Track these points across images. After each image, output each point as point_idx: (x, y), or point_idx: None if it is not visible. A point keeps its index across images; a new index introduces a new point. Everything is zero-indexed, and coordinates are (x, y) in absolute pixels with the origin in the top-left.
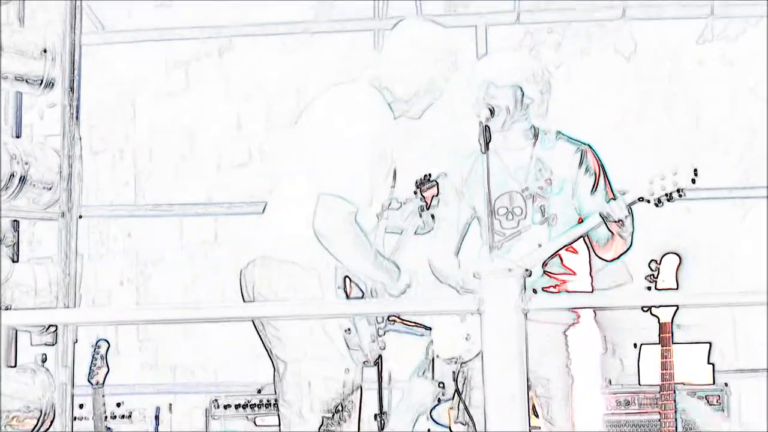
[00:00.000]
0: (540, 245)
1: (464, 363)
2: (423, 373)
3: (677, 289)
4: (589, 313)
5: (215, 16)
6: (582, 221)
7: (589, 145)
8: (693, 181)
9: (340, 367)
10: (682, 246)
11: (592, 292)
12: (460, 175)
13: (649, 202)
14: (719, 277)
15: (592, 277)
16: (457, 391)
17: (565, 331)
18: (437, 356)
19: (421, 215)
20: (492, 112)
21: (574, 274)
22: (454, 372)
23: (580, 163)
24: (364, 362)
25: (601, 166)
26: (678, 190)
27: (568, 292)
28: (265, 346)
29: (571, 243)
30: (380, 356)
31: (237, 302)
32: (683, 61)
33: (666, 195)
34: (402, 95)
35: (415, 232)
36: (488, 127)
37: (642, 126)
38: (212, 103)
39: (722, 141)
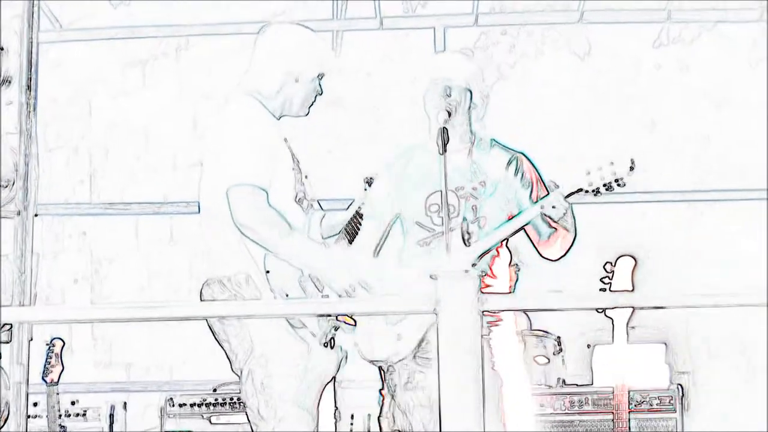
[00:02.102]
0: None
1: (392, 365)
2: (326, 344)
3: (632, 290)
4: (509, 315)
5: (172, 16)
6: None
7: (522, 153)
8: (631, 169)
9: (291, 362)
10: (638, 248)
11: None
12: (393, 173)
13: (587, 192)
14: (674, 279)
15: (510, 279)
16: (390, 394)
17: (485, 335)
18: (363, 358)
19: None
20: (450, 114)
21: (495, 277)
22: (383, 374)
23: (516, 172)
24: (324, 344)
25: (537, 173)
26: (616, 180)
27: (484, 293)
28: (223, 349)
29: (508, 237)
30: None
31: (191, 301)
32: (639, 64)
33: (605, 185)
34: (268, 94)
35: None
36: (446, 129)
37: (595, 127)
38: (168, 102)
39: (676, 144)
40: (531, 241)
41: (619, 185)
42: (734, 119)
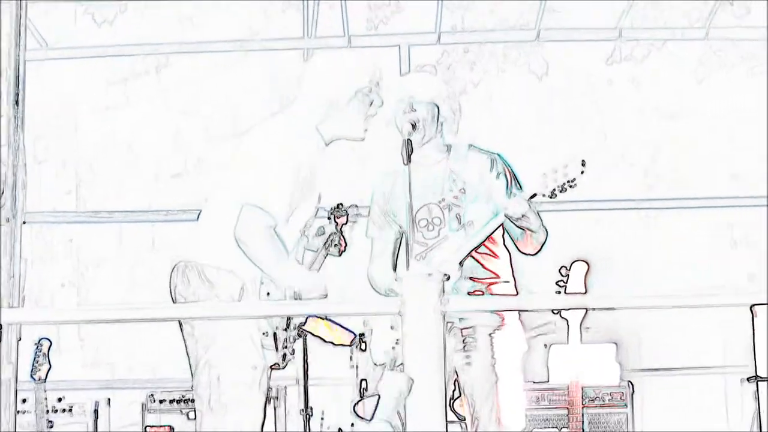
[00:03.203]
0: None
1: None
2: (394, 366)
3: (585, 293)
4: (514, 315)
5: (152, 35)
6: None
7: (498, 155)
8: (582, 172)
9: (249, 363)
10: (590, 254)
11: (516, 294)
12: (382, 194)
13: (544, 195)
14: (625, 282)
15: (514, 278)
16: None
17: (490, 334)
18: (375, 364)
19: (332, 240)
20: (414, 126)
21: (498, 276)
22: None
23: (491, 169)
24: (272, 366)
25: (512, 172)
26: (568, 181)
27: (493, 294)
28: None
29: (481, 243)
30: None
31: (169, 304)
32: (593, 80)
33: (558, 187)
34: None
35: (328, 254)
36: (410, 141)
37: (552, 140)
38: (150, 116)
39: (628, 155)
40: (512, 240)
41: (571, 186)
42: (682, 131)
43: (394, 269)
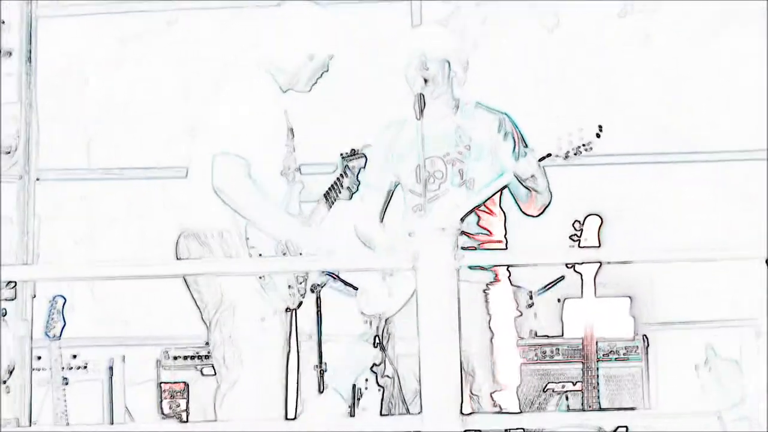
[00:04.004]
0: (458, 206)
1: (387, 319)
2: (367, 340)
3: (599, 247)
4: (504, 273)
5: None
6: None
7: (506, 114)
8: (598, 135)
9: (256, 315)
10: (604, 208)
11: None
12: (384, 144)
13: (558, 156)
14: (638, 236)
15: (506, 239)
16: (381, 345)
17: (485, 290)
18: (362, 313)
19: (343, 185)
20: (426, 81)
21: (491, 234)
22: (378, 327)
23: (499, 129)
24: (285, 309)
25: (519, 133)
26: (584, 145)
27: (484, 249)
28: (194, 300)
29: (486, 200)
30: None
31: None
32: (603, 33)
33: (573, 149)
34: (282, 70)
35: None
36: (423, 96)
37: (562, 94)
38: (159, 73)
39: (640, 110)
40: (515, 200)
41: (586, 150)
42: (695, 85)
43: (381, 220)
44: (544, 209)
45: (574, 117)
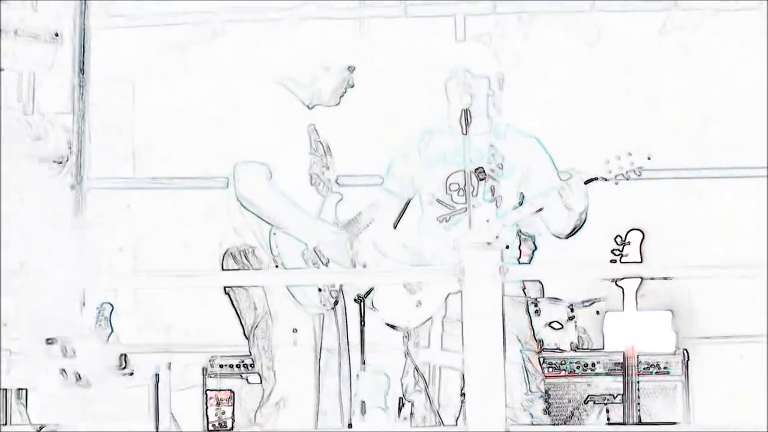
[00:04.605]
0: (488, 221)
1: (413, 329)
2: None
3: (641, 262)
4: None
5: (209, 3)
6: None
7: (536, 138)
8: (649, 158)
9: (288, 326)
10: (645, 223)
11: None
12: (410, 153)
13: (606, 180)
14: (678, 250)
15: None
16: (409, 355)
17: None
18: (387, 324)
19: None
20: (471, 97)
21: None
22: (404, 338)
23: (534, 153)
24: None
25: (549, 157)
26: (635, 170)
27: None
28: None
29: (522, 218)
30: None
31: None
32: (643, 49)
33: (623, 174)
34: (299, 83)
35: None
36: (468, 111)
37: (601, 110)
38: (205, 84)
39: (678, 125)
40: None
41: (637, 174)
42: (733, 101)
43: (395, 227)
44: (576, 231)
45: (615, 135)
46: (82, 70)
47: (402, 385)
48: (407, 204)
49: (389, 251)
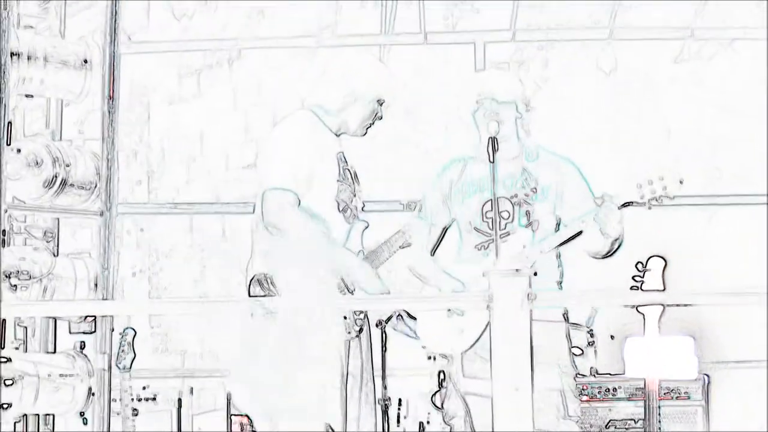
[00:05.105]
0: (524, 246)
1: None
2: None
3: (664, 290)
4: None
5: (226, 28)
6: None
7: (568, 159)
8: (680, 182)
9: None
10: (664, 250)
11: None
12: (449, 180)
13: (638, 204)
14: (699, 277)
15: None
16: (452, 382)
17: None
18: (432, 354)
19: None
20: (498, 125)
21: None
22: (444, 365)
23: (568, 176)
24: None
25: (581, 176)
26: (668, 196)
27: None
28: None
29: (562, 243)
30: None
31: (242, 295)
32: (659, 78)
33: (655, 198)
34: (328, 111)
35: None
36: (495, 139)
37: (617, 137)
38: (221, 109)
39: (699, 152)
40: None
41: (669, 198)
42: (755, 128)
43: (432, 254)
44: (615, 251)
45: (644, 160)
46: (111, 97)
47: (443, 408)
48: (444, 231)
49: (430, 278)
